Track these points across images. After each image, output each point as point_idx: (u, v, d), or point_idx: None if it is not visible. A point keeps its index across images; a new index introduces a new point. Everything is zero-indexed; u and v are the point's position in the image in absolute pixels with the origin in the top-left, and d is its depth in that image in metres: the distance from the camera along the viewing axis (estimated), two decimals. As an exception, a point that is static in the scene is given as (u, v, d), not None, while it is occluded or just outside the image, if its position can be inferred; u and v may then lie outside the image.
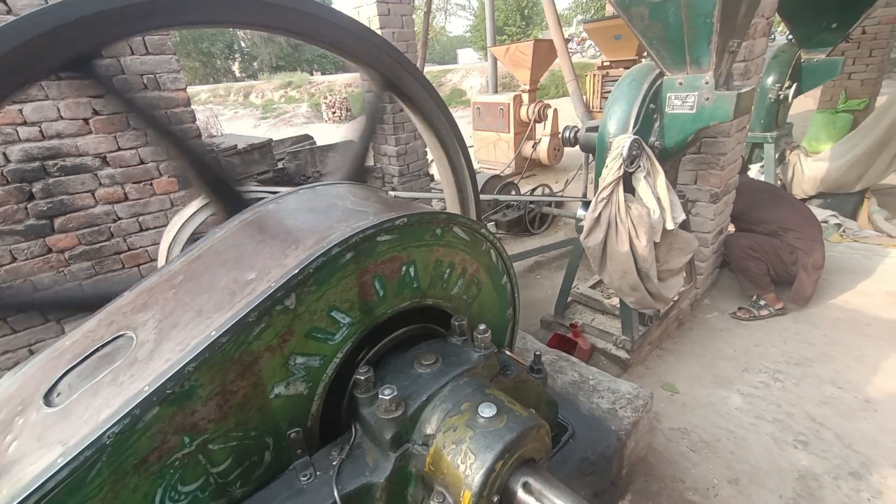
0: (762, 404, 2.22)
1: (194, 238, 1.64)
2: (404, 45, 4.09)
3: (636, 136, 1.83)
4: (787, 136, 4.32)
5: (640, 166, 1.87)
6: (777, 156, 4.14)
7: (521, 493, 0.81)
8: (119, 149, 2.54)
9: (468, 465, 0.80)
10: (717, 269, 3.19)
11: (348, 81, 19.97)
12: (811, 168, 4.23)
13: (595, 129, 2.13)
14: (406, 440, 0.89)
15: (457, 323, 1.07)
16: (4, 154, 2.28)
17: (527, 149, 6.66)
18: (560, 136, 2.64)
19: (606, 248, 1.99)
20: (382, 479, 0.86)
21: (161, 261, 1.62)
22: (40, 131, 2.34)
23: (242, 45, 34.68)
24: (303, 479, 0.86)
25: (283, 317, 0.80)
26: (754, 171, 4.22)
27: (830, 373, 2.39)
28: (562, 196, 4.92)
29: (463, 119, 13.62)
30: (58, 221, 2.46)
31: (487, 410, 0.85)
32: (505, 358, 1.18)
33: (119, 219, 2.63)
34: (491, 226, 4.91)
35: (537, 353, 1.36)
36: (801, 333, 2.70)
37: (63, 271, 2.52)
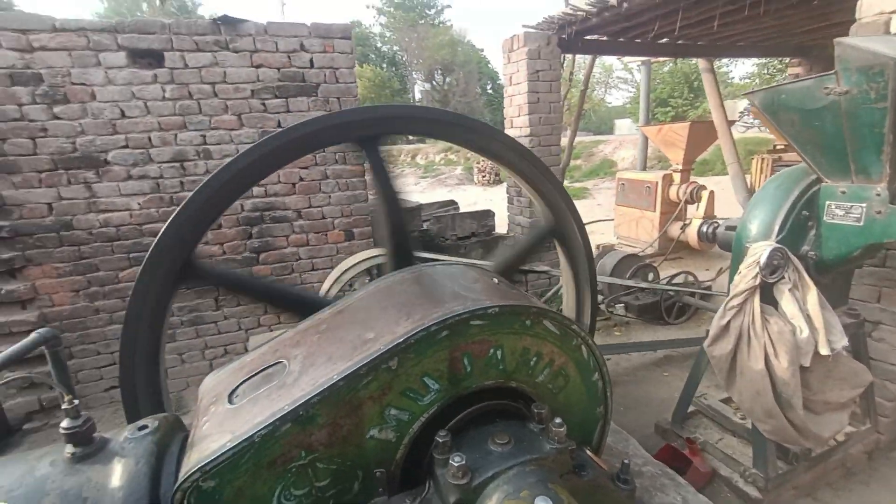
0: None
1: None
2: (549, 128, 4.38)
3: (779, 245, 1.67)
4: None
5: (783, 277, 1.68)
6: None
7: None
8: (310, 206, 3.29)
9: (514, 552, 0.85)
10: (917, 413, 2.45)
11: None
12: None
13: (734, 228, 1.99)
14: (467, 509, 0.98)
15: (536, 410, 1.13)
16: (241, 205, 3.18)
17: (674, 230, 6.19)
18: (698, 229, 2.49)
19: (736, 362, 1.78)
20: (442, 537, 0.96)
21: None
22: (265, 190, 3.20)
23: (418, 115, 40.57)
24: (380, 514, 1.01)
25: (386, 375, 1.00)
26: None
27: None
28: (703, 289, 4.41)
29: (608, 191, 13.29)
30: (262, 255, 3.26)
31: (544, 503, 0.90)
32: (584, 457, 1.17)
33: (300, 259, 3.35)
34: (620, 307, 4.65)
35: (626, 461, 1.30)
36: None
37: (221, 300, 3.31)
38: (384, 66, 41.01)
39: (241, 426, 0.95)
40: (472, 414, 1.15)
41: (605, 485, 1.14)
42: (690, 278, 4.55)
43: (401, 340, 0.99)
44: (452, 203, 5.18)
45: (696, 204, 6.18)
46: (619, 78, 35.97)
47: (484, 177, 19.01)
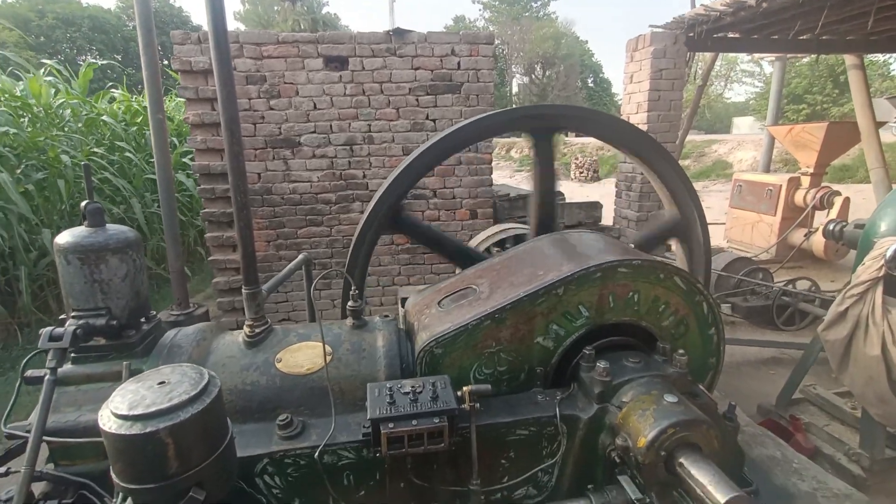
0: None
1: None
2: (668, 125, 4.38)
3: (911, 242, 1.74)
4: None
5: (912, 273, 1.75)
6: None
7: (680, 462, 1.14)
8: (444, 187, 3.80)
9: (648, 424, 1.18)
10: None
11: (602, 145, 20.66)
12: None
13: (863, 226, 2.04)
14: (607, 400, 1.33)
15: (661, 345, 1.44)
16: (390, 183, 3.80)
17: (796, 237, 5.71)
18: (824, 227, 2.50)
19: (851, 348, 1.88)
20: (586, 417, 1.33)
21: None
22: (409, 172, 3.78)
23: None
24: (539, 397, 1.41)
25: (554, 298, 1.38)
26: None
27: None
28: (825, 297, 4.13)
29: (720, 194, 12.25)
30: (401, 226, 3.87)
31: (671, 397, 1.21)
32: (697, 389, 1.45)
33: (431, 231, 3.91)
34: (726, 307, 4.54)
35: (732, 403, 1.55)
36: None
37: (395, 256, 3.93)
38: (487, 60, 41.13)
39: (456, 319, 1.41)
40: (610, 341, 1.50)
41: (714, 413, 1.41)
42: (811, 286, 4.29)
43: (568, 275, 1.37)
44: (560, 193, 5.41)
45: (826, 210, 5.64)
46: (745, 71, 31.96)
47: (581, 173, 18.53)
